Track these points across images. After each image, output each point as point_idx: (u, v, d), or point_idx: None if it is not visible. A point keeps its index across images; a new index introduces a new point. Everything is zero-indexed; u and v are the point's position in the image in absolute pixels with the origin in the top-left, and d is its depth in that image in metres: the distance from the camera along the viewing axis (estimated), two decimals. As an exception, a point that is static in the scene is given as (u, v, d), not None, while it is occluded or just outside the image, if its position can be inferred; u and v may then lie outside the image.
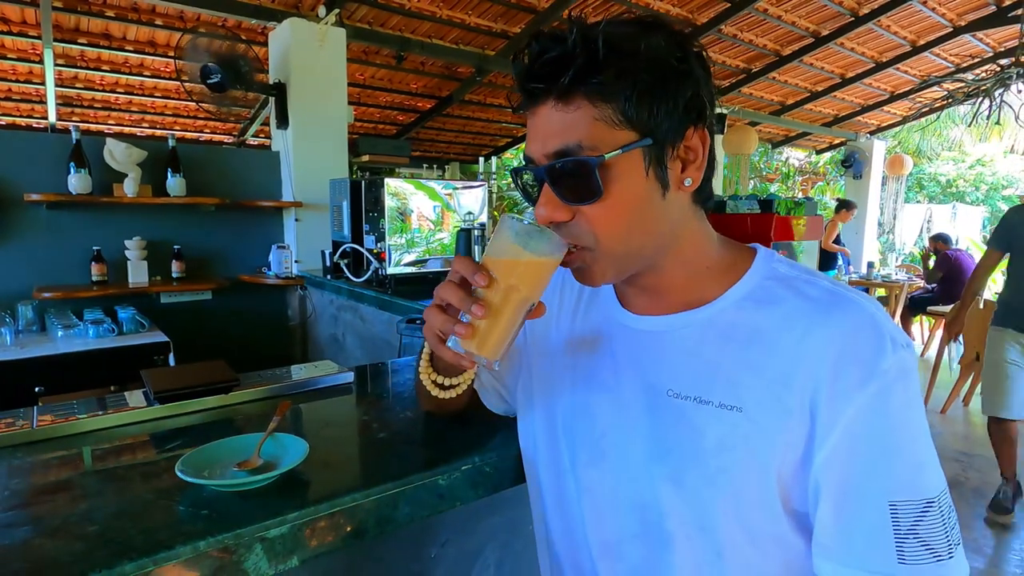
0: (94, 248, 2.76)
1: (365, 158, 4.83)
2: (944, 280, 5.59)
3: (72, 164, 2.64)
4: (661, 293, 0.67)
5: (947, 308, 4.41)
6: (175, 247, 3.00)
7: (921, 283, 6.19)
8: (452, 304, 0.60)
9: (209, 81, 2.91)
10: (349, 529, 0.70)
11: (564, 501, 0.72)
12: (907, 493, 0.55)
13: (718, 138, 6.27)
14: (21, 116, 4.99)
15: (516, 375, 0.83)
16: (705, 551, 0.61)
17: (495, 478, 0.84)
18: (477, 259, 0.61)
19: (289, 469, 0.72)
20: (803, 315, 0.59)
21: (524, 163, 0.64)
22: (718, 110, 6.18)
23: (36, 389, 2.15)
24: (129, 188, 2.78)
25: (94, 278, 2.75)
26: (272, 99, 3.33)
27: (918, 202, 13.09)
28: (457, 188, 2.79)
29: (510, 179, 10.53)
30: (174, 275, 3.00)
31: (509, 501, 1.19)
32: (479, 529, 1.19)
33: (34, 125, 5.06)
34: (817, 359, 0.57)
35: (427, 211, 2.72)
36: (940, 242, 5.96)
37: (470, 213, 2.82)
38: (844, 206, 6.35)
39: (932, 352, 5.01)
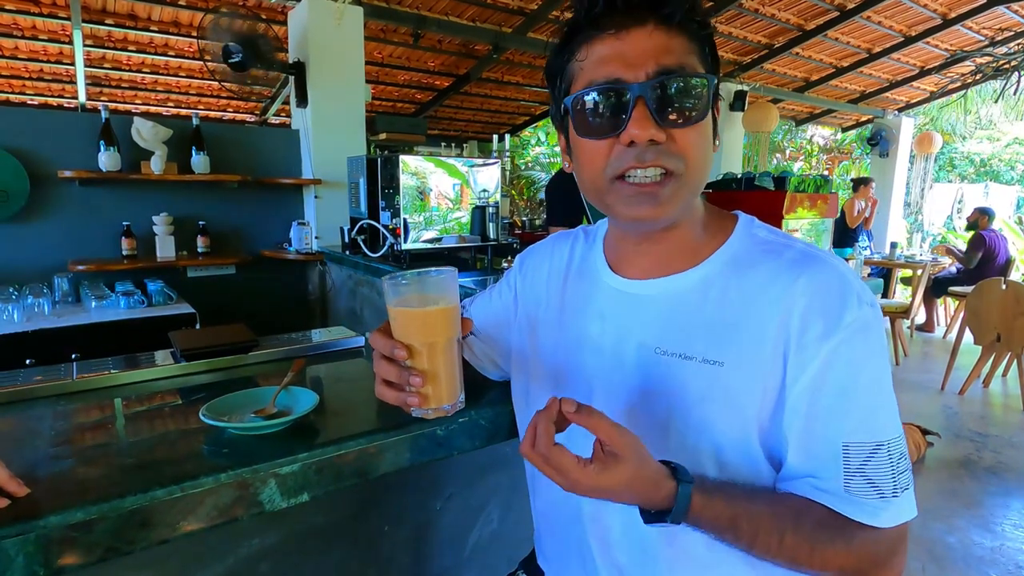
0: (124, 223, 2.88)
1: (382, 136, 4.89)
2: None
3: (102, 142, 2.74)
4: (663, 254, 0.71)
5: (968, 289, 4.34)
6: (200, 223, 3.11)
7: (945, 264, 6.03)
8: (394, 381, 0.66)
9: (231, 60, 2.98)
10: (354, 469, 0.78)
11: None
12: (859, 435, 0.60)
13: (738, 115, 6.16)
14: (52, 96, 5.14)
15: (507, 346, 0.89)
16: None
17: (490, 431, 0.90)
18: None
19: (301, 416, 0.80)
20: (778, 275, 0.65)
21: (600, 87, 0.63)
22: (738, 87, 6.07)
23: (72, 356, 2.27)
24: (156, 165, 2.88)
25: (124, 252, 2.88)
26: (292, 78, 3.39)
27: (949, 182, 12.71)
28: (476, 165, 2.83)
29: (530, 152, 10.45)
30: (199, 250, 3.11)
31: (512, 461, 1.26)
32: (483, 485, 1.26)
33: (64, 104, 5.20)
34: (788, 313, 0.62)
35: (446, 189, 2.76)
36: (984, 216, 5.62)
37: (485, 191, 2.87)
38: (862, 182, 6.06)
39: (953, 335, 4.94)
